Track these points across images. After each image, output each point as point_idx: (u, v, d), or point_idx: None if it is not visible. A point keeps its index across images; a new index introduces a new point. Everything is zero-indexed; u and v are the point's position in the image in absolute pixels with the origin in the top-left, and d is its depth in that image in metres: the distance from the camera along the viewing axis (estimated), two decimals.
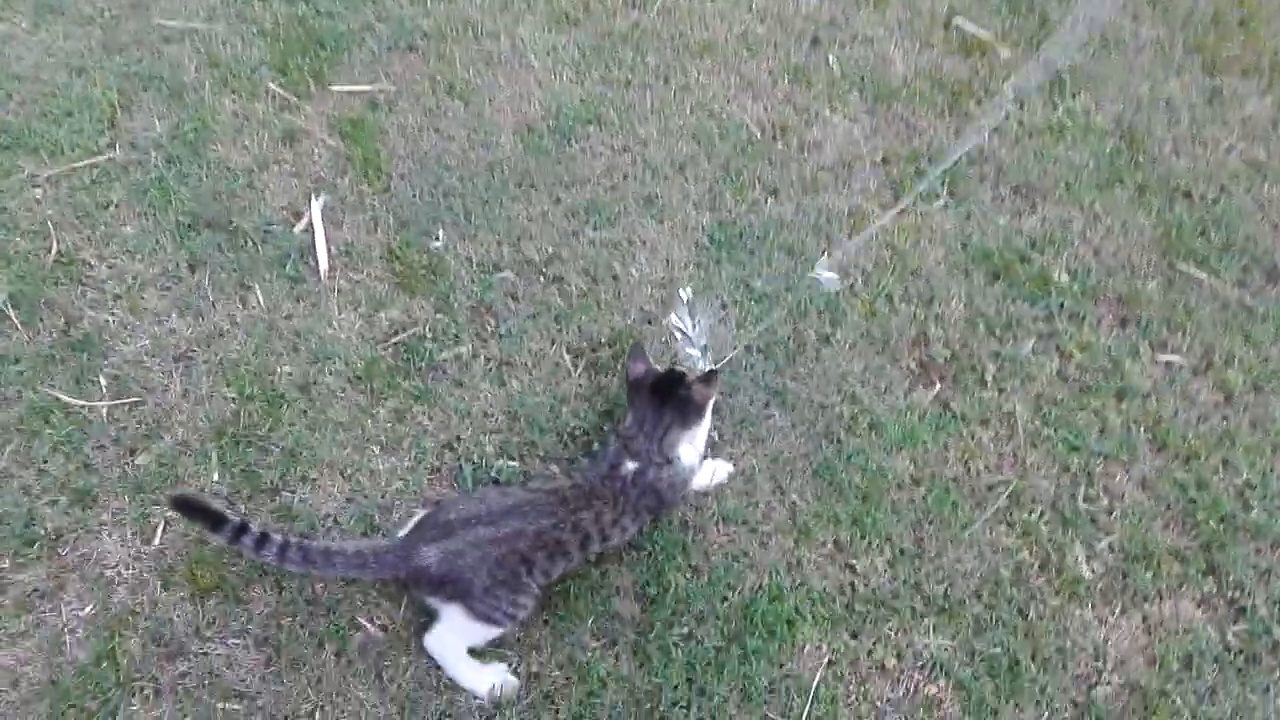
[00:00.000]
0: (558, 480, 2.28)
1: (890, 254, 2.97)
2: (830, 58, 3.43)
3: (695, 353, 2.39)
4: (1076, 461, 2.62)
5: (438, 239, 2.86)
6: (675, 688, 2.22)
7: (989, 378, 2.75)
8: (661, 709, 2.19)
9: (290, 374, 2.60)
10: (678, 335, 2.35)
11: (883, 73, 3.39)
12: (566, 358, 2.69)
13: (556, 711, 2.17)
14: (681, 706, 2.20)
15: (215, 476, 2.43)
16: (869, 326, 2.82)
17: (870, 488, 2.55)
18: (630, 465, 2.27)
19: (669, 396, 2.32)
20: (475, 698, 2.17)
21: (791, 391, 2.68)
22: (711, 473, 2.52)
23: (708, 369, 2.38)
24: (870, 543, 2.48)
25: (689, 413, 2.33)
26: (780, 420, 2.63)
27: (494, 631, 2.18)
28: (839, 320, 2.82)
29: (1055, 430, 2.68)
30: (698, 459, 2.38)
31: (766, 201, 3.05)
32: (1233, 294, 2.99)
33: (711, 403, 2.38)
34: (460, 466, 2.49)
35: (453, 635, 2.18)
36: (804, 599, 2.39)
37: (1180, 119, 3.44)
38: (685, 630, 2.30)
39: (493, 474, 2.49)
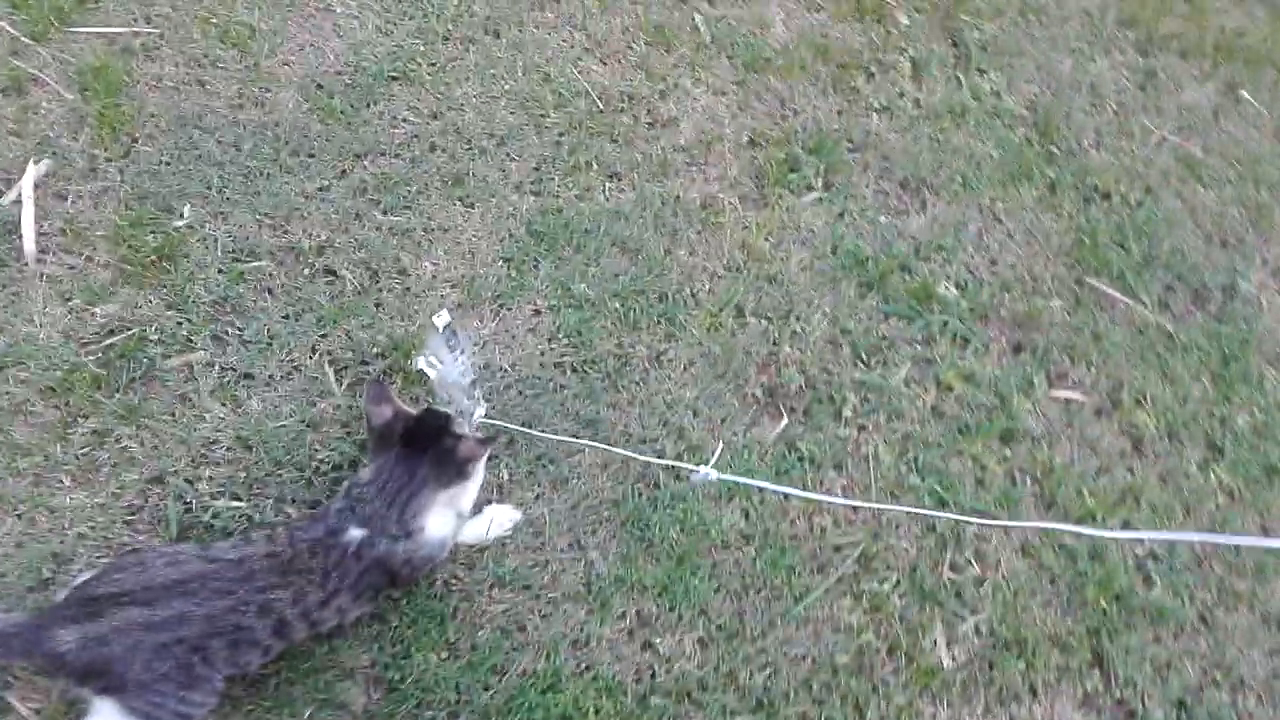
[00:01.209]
0: (252, 546, 1.75)
1: (744, 255, 2.46)
2: (697, 17, 2.89)
3: (463, 400, 1.86)
4: (945, 520, 2.13)
5: (182, 216, 2.31)
6: None
7: (848, 411, 2.26)
8: None
9: None
10: (432, 374, 1.81)
11: (759, 37, 2.87)
12: (328, 371, 2.16)
13: None
14: None
15: None
16: (710, 344, 2.31)
17: (689, 546, 2.05)
18: (355, 533, 1.75)
19: (426, 448, 1.81)
20: None
21: (606, 422, 2.17)
22: (489, 522, 2.01)
23: (479, 427, 1.88)
24: (680, 616, 1.99)
25: (448, 471, 1.81)
26: (589, 458, 2.12)
27: None
28: (675, 335, 2.31)
29: (923, 479, 2.19)
30: (453, 527, 1.87)
31: (604, 187, 2.52)
32: (1151, 318, 2.51)
33: (483, 461, 1.86)
34: (166, 506, 1.97)
35: None
36: (587, 688, 1.90)
37: (1105, 105, 2.94)
38: None
39: (208, 517, 1.96)
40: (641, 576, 2.01)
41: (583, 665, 1.93)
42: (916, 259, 2.51)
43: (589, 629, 1.96)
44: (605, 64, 2.74)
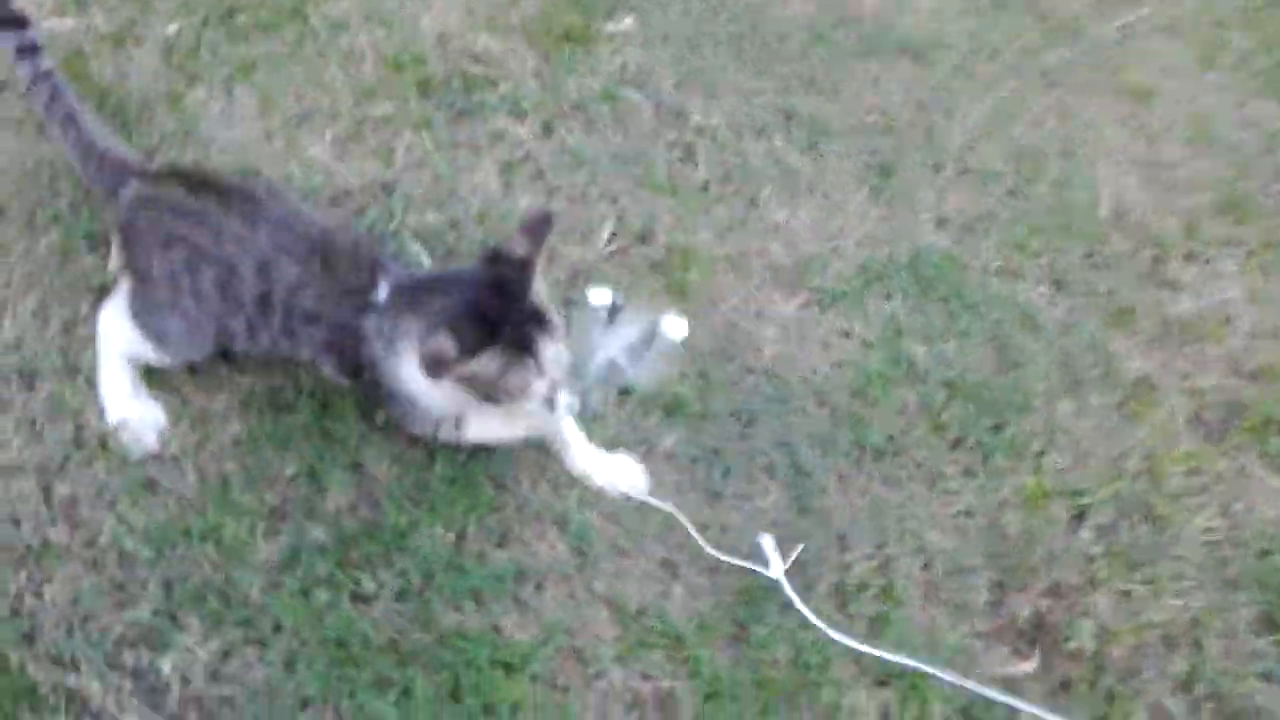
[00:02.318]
0: (327, 220, 1.79)
1: None
2: None
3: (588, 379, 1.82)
4: None
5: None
6: None
7: None
8: None
9: None
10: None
11: None
12: None
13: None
14: None
15: None
16: None
17: (784, 685, 1.93)
18: (380, 296, 1.69)
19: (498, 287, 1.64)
20: (102, 417, 1.80)
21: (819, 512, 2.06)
22: (606, 466, 1.90)
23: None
24: None
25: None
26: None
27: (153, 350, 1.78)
28: None
29: None
30: (446, 402, 1.71)
31: None
32: None
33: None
34: None
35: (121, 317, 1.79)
36: None
37: None
38: None
39: None
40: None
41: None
42: None
43: None
44: None
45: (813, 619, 1.74)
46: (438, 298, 1.66)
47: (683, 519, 1.84)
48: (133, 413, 1.80)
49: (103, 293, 1.88)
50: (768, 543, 1.82)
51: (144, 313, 1.74)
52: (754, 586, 1.81)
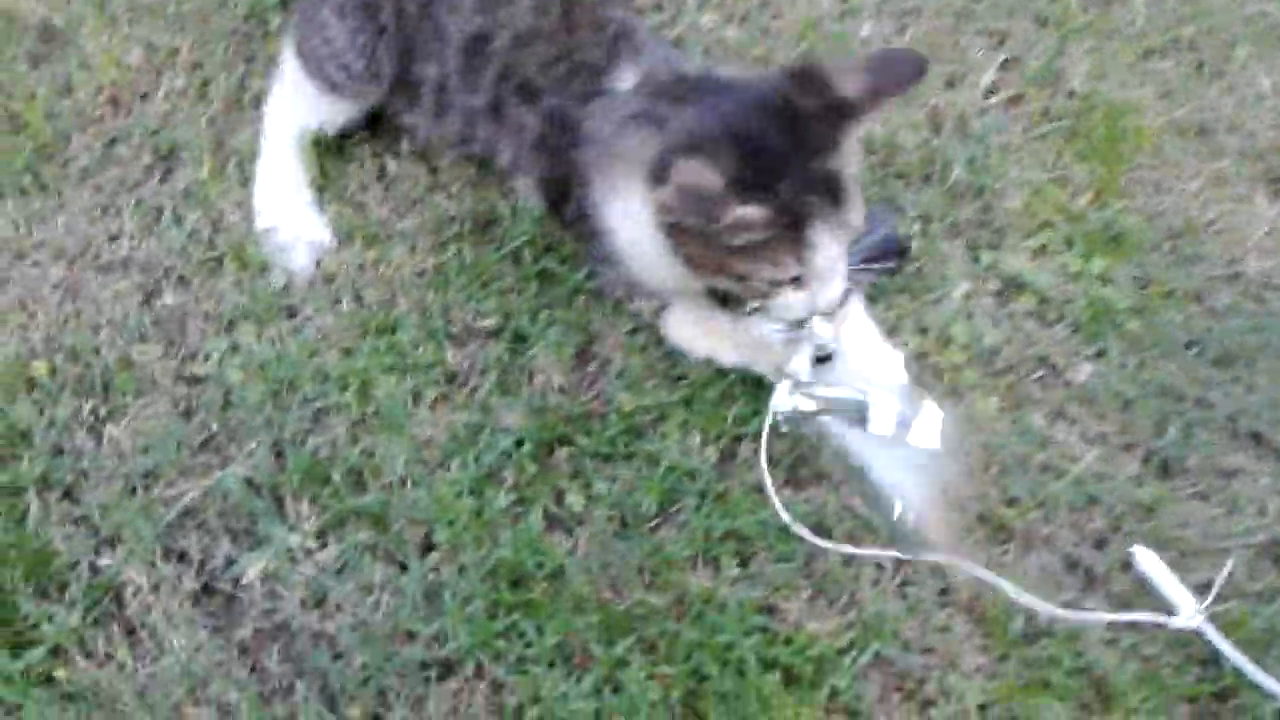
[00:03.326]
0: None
1: None
2: None
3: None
4: None
5: None
6: None
7: None
8: None
9: None
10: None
11: None
12: None
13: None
14: None
15: None
16: None
17: None
18: (626, 82, 1.13)
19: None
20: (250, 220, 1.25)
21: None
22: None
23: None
24: None
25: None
26: None
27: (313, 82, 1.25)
28: None
29: None
30: (650, 252, 1.08)
31: None
32: None
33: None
34: None
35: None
36: None
37: None
38: None
39: None
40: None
41: None
42: None
43: None
44: None
45: None
46: (697, 110, 1.04)
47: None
48: (289, 220, 1.26)
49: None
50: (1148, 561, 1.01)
51: (310, 29, 1.23)
52: None
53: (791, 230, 0.97)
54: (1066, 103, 1.44)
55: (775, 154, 0.98)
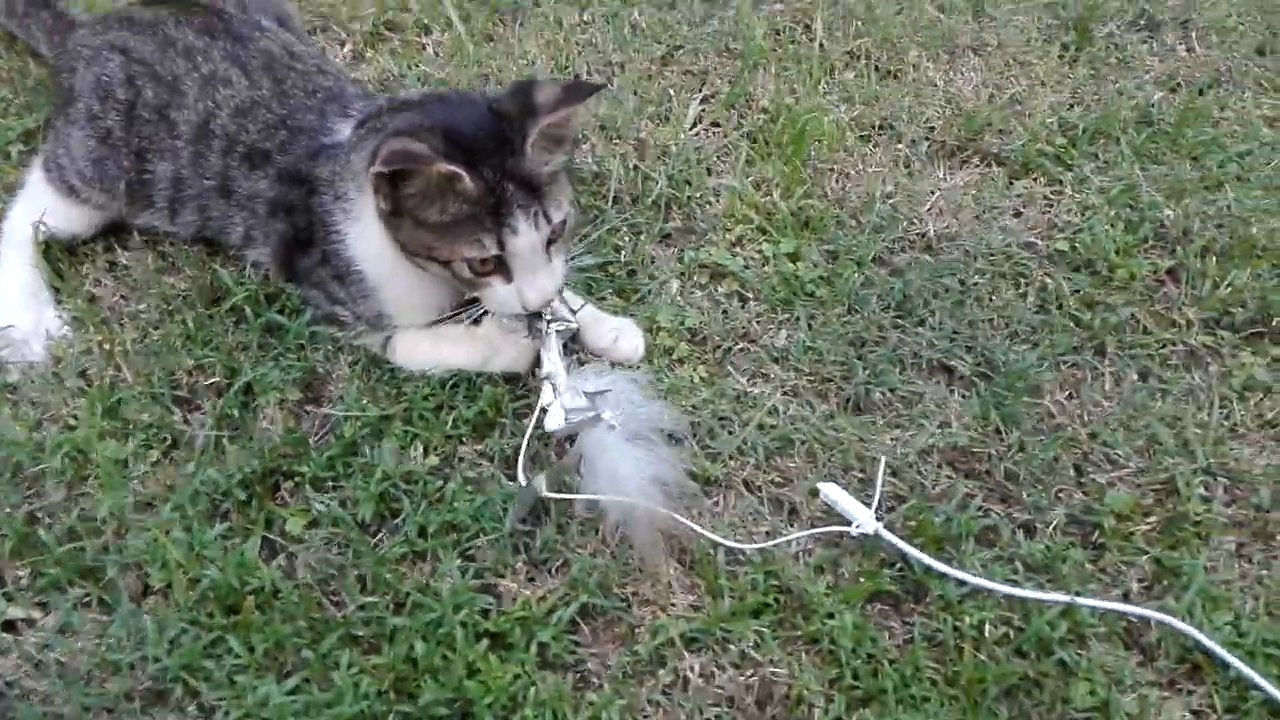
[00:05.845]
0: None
1: None
2: None
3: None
4: None
5: None
6: None
7: None
8: None
9: None
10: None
11: None
12: None
13: None
14: None
15: None
16: None
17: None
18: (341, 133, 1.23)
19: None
20: None
21: None
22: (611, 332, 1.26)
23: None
24: None
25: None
26: None
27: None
28: None
29: None
30: (389, 267, 1.20)
31: None
32: None
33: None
34: None
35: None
36: None
37: None
38: None
39: None
40: None
41: None
42: None
43: None
44: None
45: None
46: (410, 114, 1.17)
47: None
48: (22, 317, 1.30)
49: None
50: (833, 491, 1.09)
51: (57, 144, 1.34)
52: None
53: (491, 213, 1.07)
54: (757, 118, 1.59)
55: (478, 144, 1.09)
